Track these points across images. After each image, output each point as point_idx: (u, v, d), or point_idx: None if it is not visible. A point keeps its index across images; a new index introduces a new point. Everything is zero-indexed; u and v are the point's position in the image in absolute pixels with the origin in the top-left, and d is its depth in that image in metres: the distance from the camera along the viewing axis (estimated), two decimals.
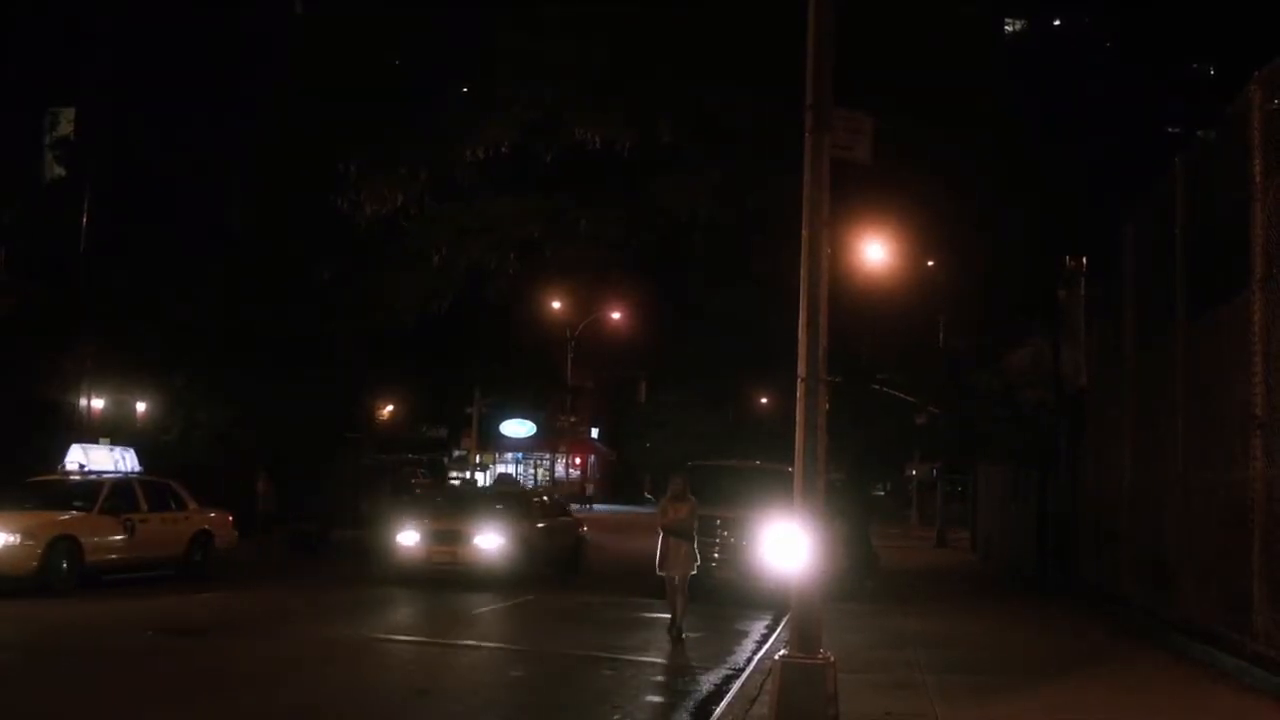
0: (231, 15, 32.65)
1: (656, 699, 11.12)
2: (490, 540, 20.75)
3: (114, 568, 18.94)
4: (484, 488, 27.49)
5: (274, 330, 32.29)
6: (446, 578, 20.28)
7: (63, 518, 18.10)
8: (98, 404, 33.65)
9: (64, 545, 17.55)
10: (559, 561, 23.20)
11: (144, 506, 19.70)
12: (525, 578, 20.67)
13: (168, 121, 32.25)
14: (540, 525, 22.77)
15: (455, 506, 23.81)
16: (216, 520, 21.63)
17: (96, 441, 24.98)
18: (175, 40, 32.43)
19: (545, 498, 26.11)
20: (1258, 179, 10.68)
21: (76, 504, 18.77)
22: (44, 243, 33.16)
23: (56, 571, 17.35)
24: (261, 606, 17.83)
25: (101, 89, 34.68)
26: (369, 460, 45.76)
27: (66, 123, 36.93)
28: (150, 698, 10.57)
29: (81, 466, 19.99)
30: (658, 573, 15.16)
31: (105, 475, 20.03)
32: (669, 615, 15.07)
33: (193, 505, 21.19)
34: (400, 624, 16.03)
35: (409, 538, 21.13)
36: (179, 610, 16.59)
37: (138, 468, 21.31)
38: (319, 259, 26.67)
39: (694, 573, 15.24)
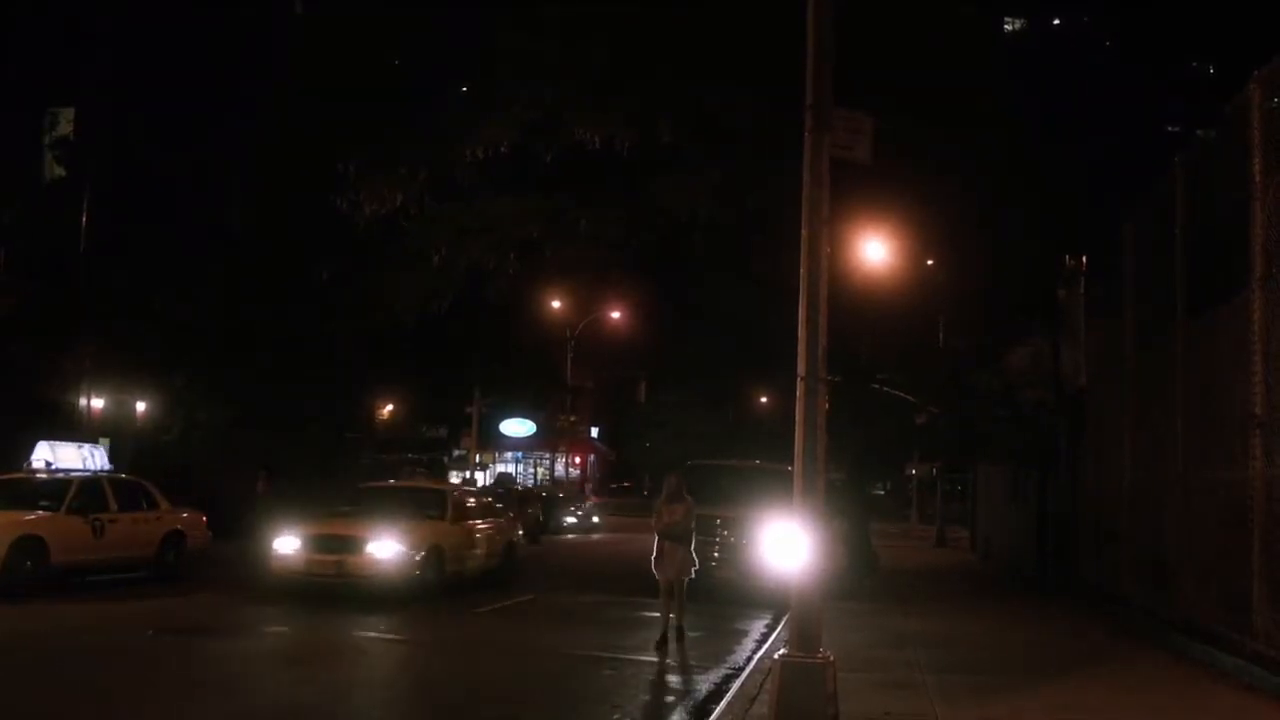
0: (231, 15, 32.66)
1: (656, 698, 11.12)
2: (386, 548, 17.56)
3: (82, 569, 18.24)
4: (395, 486, 24.59)
5: (274, 330, 32.33)
6: (330, 592, 17.47)
7: (28, 517, 17.43)
8: (98, 404, 33.68)
9: (28, 545, 16.85)
10: (483, 570, 20.57)
11: (113, 506, 18.95)
12: (432, 591, 18.02)
13: (167, 121, 32.28)
14: (459, 529, 19.89)
15: (354, 508, 19.96)
16: (189, 520, 20.89)
17: (95, 440, 24.87)
18: (175, 40, 32.44)
19: (472, 498, 22.61)
20: (1257, 178, 10.69)
21: (43, 503, 18.06)
22: (44, 243, 33.17)
23: (20, 572, 16.59)
24: (234, 606, 17.36)
25: (101, 89, 34.70)
26: (369, 460, 45.83)
27: (66, 123, 36.93)
28: (141, 696, 10.57)
29: (48, 464, 19.37)
30: (654, 572, 14.51)
31: (73, 474, 19.29)
32: (660, 620, 14.38)
33: (165, 505, 20.45)
34: (394, 624, 16.00)
35: (287, 544, 17.95)
36: (151, 612, 16.05)
37: (107, 466, 20.62)
38: (319, 259, 26.67)
39: (692, 576, 14.57)
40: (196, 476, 31.10)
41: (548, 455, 72.60)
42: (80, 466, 19.94)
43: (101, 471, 20.24)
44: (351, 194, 19.59)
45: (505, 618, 17.29)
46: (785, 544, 13.83)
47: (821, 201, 8.67)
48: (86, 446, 20.85)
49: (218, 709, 10.14)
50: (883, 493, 66.91)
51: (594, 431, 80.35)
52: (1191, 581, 12.84)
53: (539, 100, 18.40)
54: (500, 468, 72.70)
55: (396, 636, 14.98)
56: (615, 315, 57.70)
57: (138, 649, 13.20)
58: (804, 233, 8.63)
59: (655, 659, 13.48)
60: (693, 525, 14.60)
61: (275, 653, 13.46)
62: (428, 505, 19.95)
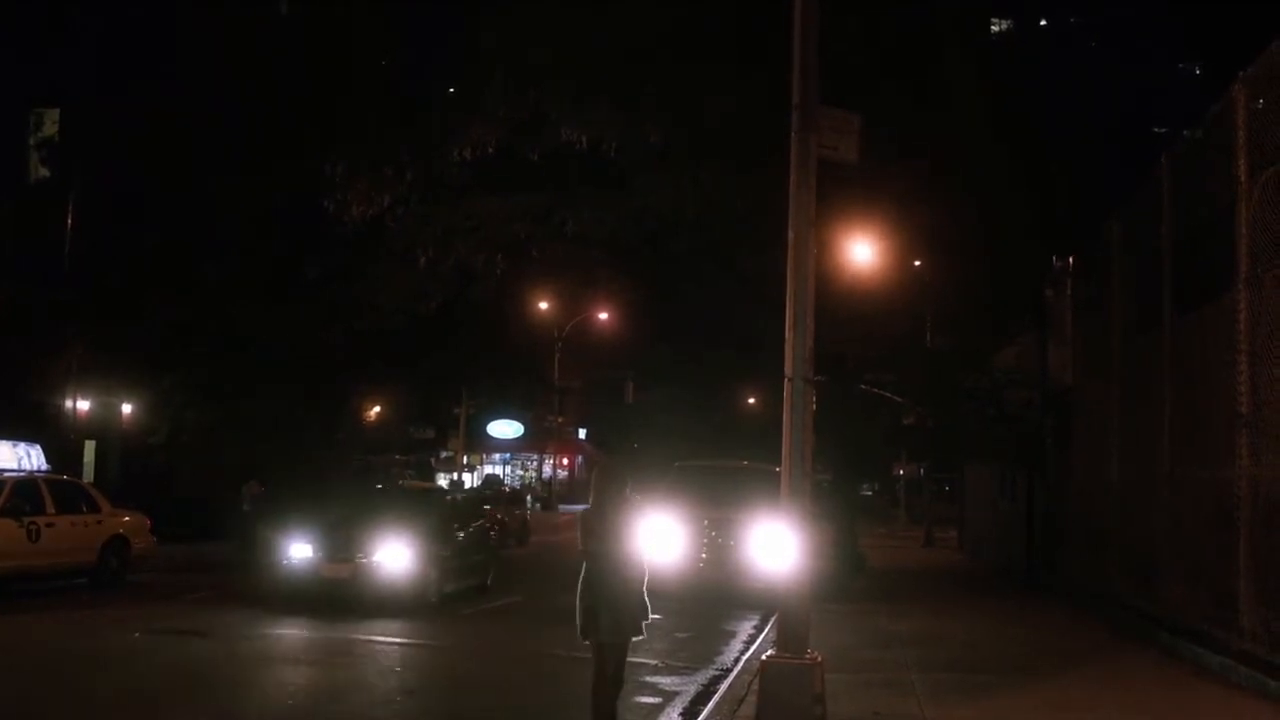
0: (217, 15, 32.56)
1: (644, 699, 11.09)
2: None
3: (15, 576, 16.97)
4: None
5: (262, 331, 32.21)
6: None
7: None
8: (83, 405, 33.51)
9: None
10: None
11: (51, 509, 17.79)
12: None
13: (153, 122, 32.15)
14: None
15: None
16: (132, 524, 19.76)
17: (72, 441, 24.45)
18: (160, 40, 32.31)
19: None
20: (1242, 179, 10.73)
21: None
22: (29, 244, 33.03)
23: None
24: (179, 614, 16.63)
25: (86, 89, 34.53)
26: (356, 461, 45.68)
27: (51, 124, 36.74)
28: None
29: None
30: (580, 637, 8.63)
31: (6, 474, 17.91)
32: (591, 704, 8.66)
33: (106, 507, 19.37)
34: (376, 627, 15.93)
35: None
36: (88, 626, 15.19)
37: (44, 466, 19.47)
38: (307, 260, 26.59)
39: (641, 635, 8.67)
40: (182, 479, 31.01)
41: (536, 456, 72.54)
42: (15, 466, 18.67)
43: (38, 472, 19.03)
44: (339, 195, 19.53)
45: (491, 620, 17.28)
46: (773, 545, 13.74)
47: (808, 202, 8.67)
48: (22, 445, 19.53)
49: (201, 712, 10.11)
50: (871, 493, 66.97)
51: (581, 432, 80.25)
52: (1178, 580, 12.87)
53: (525, 100, 18.37)
54: (488, 469, 72.58)
55: (379, 639, 14.91)
56: (603, 316, 57.71)
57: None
58: (791, 234, 8.63)
59: (642, 660, 13.31)
60: (641, 545, 8.68)
61: (254, 657, 13.39)
62: None
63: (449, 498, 21.87)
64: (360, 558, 17.42)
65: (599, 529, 8.56)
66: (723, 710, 10.03)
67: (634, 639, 8.63)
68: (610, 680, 8.58)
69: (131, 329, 31.65)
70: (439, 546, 18.39)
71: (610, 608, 8.42)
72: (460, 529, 20.03)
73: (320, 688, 11.66)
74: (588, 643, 8.57)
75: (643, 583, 8.57)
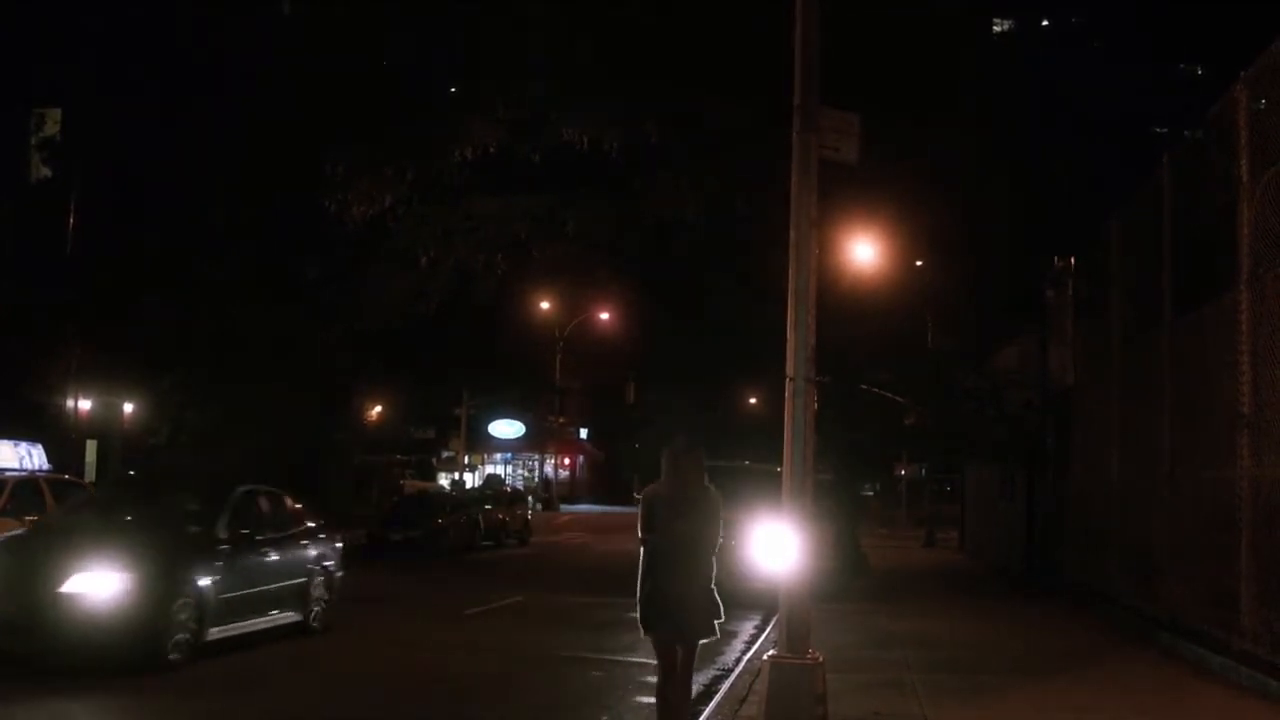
0: (219, 15, 32.56)
1: (645, 699, 11.09)
2: None
3: None
4: None
5: (262, 331, 32.23)
6: None
7: None
8: (85, 405, 33.53)
9: None
10: None
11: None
12: None
13: (154, 122, 32.16)
14: None
15: None
16: None
17: (79, 441, 24.50)
18: (162, 41, 32.32)
19: None
20: (1244, 179, 10.72)
21: None
22: (29, 244, 33.03)
23: None
24: None
25: (87, 89, 34.53)
26: (357, 461, 45.75)
27: (53, 123, 36.74)
28: None
29: None
30: (644, 634, 8.18)
31: (7, 473, 17.60)
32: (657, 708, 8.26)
33: None
34: (377, 625, 15.93)
35: None
36: None
37: (46, 465, 19.20)
38: (306, 259, 26.60)
39: (715, 635, 8.37)
40: (183, 479, 30.90)
41: (537, 456, 72.58)
42: (16, 466, 18.38)
43: (39, 471, 18.75)
44: (339, 195, 19.54)
45: (493, 619, 17.25)
46: (774, 545, 13.67)
47: (809, 203, 8.66)
48: (24, 445, 19.24)
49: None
50: (872, 494, 67.07)
51: (583, 432, 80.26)
52: (1179, 580, 12.86)
53: (525, 100, 18.38)
54: (489, 469, 72.61)
55: (380, 638, 14.90)
56: (604, 316, 57.76)
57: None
58: (792, 234, 8.63)
59: (643, 660, 13.26)
60: (720, 537, 8.37)
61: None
62: None
63: (242, 491, 13.64)
64: (45, 588, 11.09)
65: (669, 516, 7.95)
66: (724, 710, 10.04)
67: (703, 640, 8.18)
68: (677, 682, 8.10)
69: (131, 329, 31.66)
70: (197, 568, 12.00)
71: (680, 607, 7.93)
72: (249, 536, 13.01)
73: (321, 687, 11.64)
74: (652, 636, 8.06)
75: (713, 579, 8.12)
